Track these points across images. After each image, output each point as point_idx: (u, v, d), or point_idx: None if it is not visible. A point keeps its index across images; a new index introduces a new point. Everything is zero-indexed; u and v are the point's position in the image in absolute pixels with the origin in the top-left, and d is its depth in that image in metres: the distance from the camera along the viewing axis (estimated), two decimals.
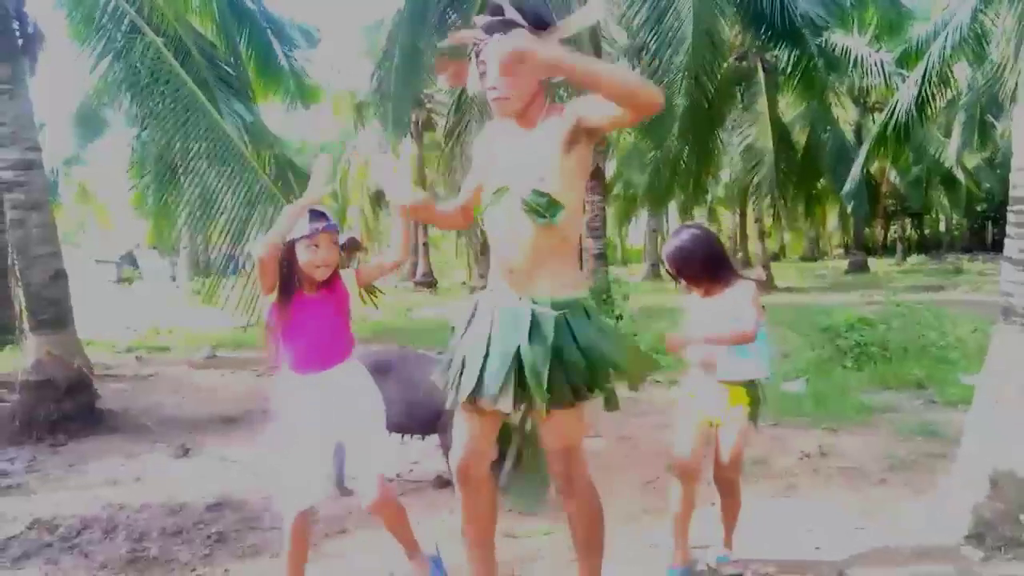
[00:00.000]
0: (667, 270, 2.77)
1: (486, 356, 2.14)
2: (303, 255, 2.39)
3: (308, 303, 2.45)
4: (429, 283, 23.69)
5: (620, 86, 1.84)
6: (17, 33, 5.65)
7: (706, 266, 2.68)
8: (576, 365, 2.09)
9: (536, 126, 2.13)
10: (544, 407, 2.08)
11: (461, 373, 2.20)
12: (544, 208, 2.06)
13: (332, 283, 2.49)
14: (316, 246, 2.39)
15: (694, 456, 2.75)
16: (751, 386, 2.69)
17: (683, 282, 2.74)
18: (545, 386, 2.06)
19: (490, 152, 2.23)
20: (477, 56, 2.11)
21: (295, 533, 2.49)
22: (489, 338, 2.14)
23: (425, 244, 24.12)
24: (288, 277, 2.42)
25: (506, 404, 2.11)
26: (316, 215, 2.41)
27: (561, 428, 2.19)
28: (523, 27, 2.01)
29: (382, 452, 2.57)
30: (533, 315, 2.09)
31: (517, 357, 2.08)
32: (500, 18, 2.04)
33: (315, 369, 2.46)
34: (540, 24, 2.04)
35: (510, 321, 2.12)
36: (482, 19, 2.08)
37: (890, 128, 12.48)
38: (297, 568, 2.52)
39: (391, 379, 3.48)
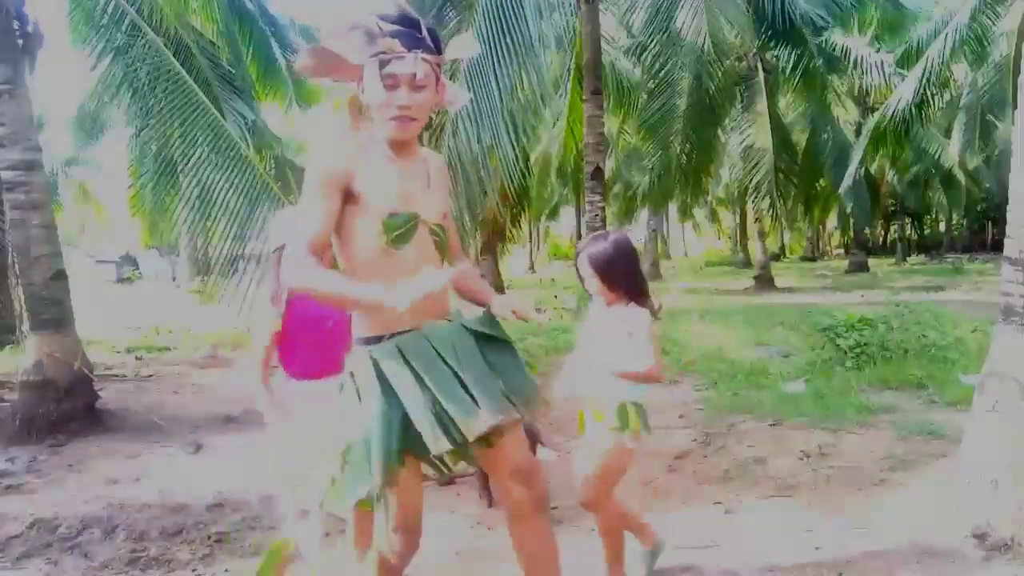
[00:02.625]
0: (582, 269, 2.58)
1: (445, 388, 1.95)
2: None
3: (308, 311, 2.45)
4: None
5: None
6: (17, 33, 5.65)
7: (629, 273, 2.56)
8: (509, 368, 2.09)
9: (416, 155, 2.08)
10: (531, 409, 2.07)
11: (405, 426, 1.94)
12: (446, 242, 2.09)
13: None
14: None
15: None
16: (621, 407, 2.53)
17: (598, 285, 2.55)
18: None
19: (369, 171, 1.97)
20: (383, 65, 1.91)
21: None
22: (428, 373, 1.95)
23: None
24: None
25: (500, 414, 1.95)
26: None
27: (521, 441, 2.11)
28: (437, 51, 1.97)
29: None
30: (472, 332, 2.06)
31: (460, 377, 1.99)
32: (424, 36, 1.95)
33: (311, 377, 2.47)
34: (439, 49, 1.99)
35: (454, 344, 2.01)
36: (390, 27, 1.92)
37: (886, 124, 12.48)
38: None
39: None
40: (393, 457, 1.90)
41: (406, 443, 1.93)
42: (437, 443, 1.90)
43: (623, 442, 2.54)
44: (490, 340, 2.10)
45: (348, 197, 1.94)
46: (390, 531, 2.02)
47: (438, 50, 1.99)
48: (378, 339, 1.99)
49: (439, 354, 1.98)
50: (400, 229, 1.96)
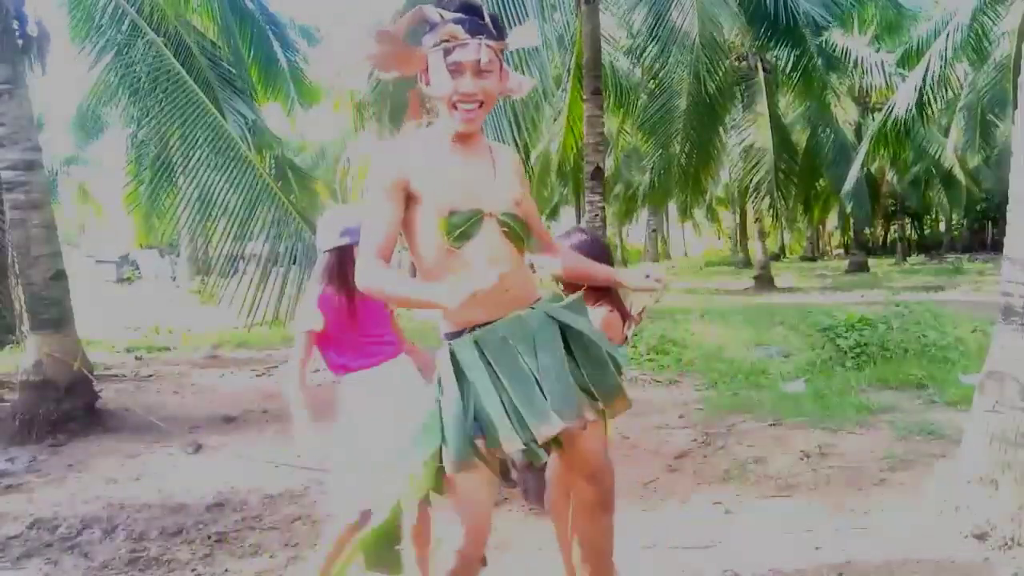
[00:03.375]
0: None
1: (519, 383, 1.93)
2: None
3: (363, 302, 2.46)
4: None
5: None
6: (17, 33, 5.65)
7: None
8: (593, 361, 2.05)
9: (481, 147, 2.05)
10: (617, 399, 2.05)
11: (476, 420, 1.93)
12: (521, 231, 2.04)
13: None
14: None
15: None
16: None
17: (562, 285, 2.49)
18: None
19: (427, 170, 1.94)
20: (447, 54, 1.90)
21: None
22: (500, 366, 1.94)
23: None
24: (344, 279, 2.43)
25: (574, 417, 1.93)
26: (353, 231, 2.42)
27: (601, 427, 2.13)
28: (500, 37, 1.95)
29: None
30: (557, 320, 2.02)
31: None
32: (486, 23, 1.94)
33: (370, 365, 2.50)
34: (503, 35, 1.98)
35: (534, 337, 1.98)
36: (452, 14, 1.91)
37: (888, 125, 12.50)
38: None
39: None
40: (465, 451, 1.89)
41: (480, 434, 1.93)
42: (507, 442, 1.89)
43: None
44: (575, 328, 2.05)
45: (409, 198, 1.94)
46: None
47: (501, 36, 1.97)
48: (458, 334, 1.99)
49: (517, 350, 1.96)
50: (461, 227, 1.93)
